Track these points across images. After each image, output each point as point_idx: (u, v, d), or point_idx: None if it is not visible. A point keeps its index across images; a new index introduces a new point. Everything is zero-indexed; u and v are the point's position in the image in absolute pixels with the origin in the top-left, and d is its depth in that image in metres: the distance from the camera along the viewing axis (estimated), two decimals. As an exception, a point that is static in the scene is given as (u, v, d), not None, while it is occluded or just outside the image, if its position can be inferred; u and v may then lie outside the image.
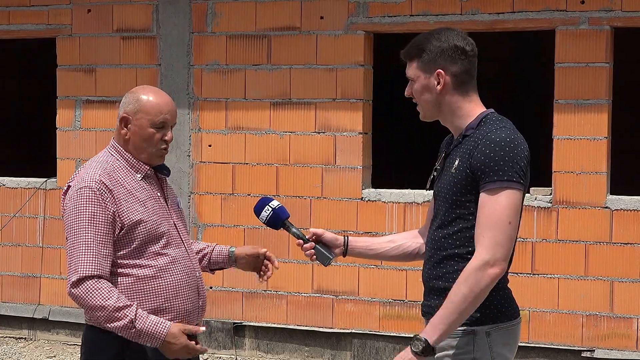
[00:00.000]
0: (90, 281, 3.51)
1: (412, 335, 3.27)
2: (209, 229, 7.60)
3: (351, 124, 7.24)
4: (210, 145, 7.61)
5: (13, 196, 8.22)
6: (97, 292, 3.51)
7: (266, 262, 4.00)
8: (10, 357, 7.73)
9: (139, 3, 7.79)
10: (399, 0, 7.09)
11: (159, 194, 3.75)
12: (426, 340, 3.16)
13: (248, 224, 7.50)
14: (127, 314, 3.50)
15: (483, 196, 3.20)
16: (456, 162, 3.30)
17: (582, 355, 6.82)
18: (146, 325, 3.52)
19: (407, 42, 3.48)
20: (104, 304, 3.50)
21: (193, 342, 3.61)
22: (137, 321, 3.51)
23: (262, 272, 4.01)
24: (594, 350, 6.78)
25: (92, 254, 3.53)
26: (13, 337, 8.27)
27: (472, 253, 3.25)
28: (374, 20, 7.18)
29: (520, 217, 3.29)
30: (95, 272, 3.52)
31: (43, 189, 8.10)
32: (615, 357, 6.72)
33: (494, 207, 3.17)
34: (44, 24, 8.05)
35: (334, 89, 7.27)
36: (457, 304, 3.16)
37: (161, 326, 3.54)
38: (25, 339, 8.25)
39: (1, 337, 8.30)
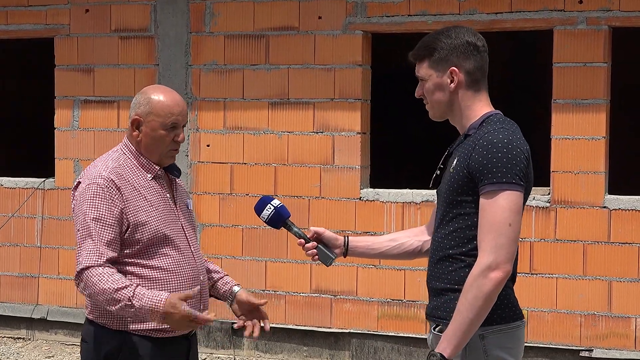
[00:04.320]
0: (92, 269, 3.52)
1: (427, 352, 3.24)
2: (207, 229, 7.60)
3: (349, 123, 7.24)
4: (208, 145, 7.61)
5: (11, 196, 8.22)
6: (97, 277, 3.51)
7: (255, 321, 3.83)
8: (8, 357, 7.73)
9: (137, 3, 7.78)
10: (397, 0, 7.08)
11: (168, 195, 3.77)
12: (441, 355, 3.13)
13: (246, 224, 7.50)
14: (126, 293, 3.48)
15: (482, 200, 3.16)
16: (455, 162, 3.28)
17: (581, 354, 6.82)
18: (144, 301, 3.47)
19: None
20: (104, 287, 3.49)
21: (194, 311, 3.51)
22: (134, 299, 3.47)
23: (245, 326, 3.83)
24: (592, 350, 6.78)
25: (97, 247, 3.54)
26: (11, 337, 8.26)
27: (466, 254, 3.23)
28: (372, 20, 7.17)
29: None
30: (99, 263, 3.53)
31: (41, 189, 8.10)
32: (613, 356, 6.72)
33: (493, 210, 3.13)
34: (42, 24, 8.05)
35: (332, 89, 7.27)
36: (465, 314, 3.12)
37: (158, 298, 3.48)
38: (23, 339, 8.24)
39: (-1, 337, 8.31)
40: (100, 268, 3.53)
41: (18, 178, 8.28)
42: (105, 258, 3.55)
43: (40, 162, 9.78)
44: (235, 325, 3.85)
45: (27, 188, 8.17)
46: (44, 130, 9.81)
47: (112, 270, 3.54)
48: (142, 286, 3.56)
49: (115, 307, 3.50)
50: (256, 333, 3.79)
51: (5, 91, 11.43)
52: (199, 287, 3.70)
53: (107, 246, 3.56)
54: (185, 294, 3.52)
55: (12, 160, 10.70)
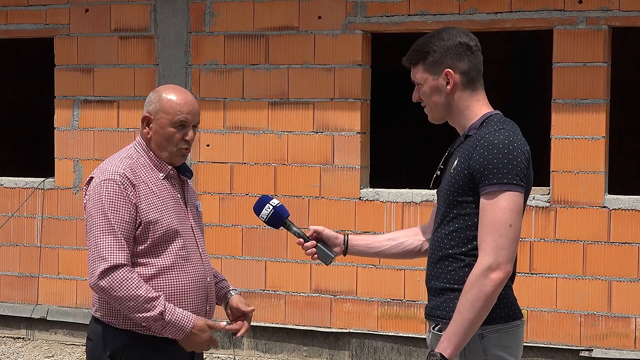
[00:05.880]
0: (120, 270, 3.55)
1: (427, 352, 3.25)
2: (207, 229, 7.59)
3: (349, 123, 7.24)
4: (208, 145, 7.61)
5: (11, 196, 8.22)
6: (128, 282, 3.54)
7: (239, 322, 3.88)
8: (8, 357, 7.73)
9: (137, 3, 7.78)
10: (397, 0, 7.09)
11: (179, 195, 3.79)
12: (442, 355, 3.14)
13: (246, 224, 7.50)
14: (157, 305, 3.55)
15: (482, 200, 3.17)
16: (455, 162, 3.29)
17: (580, 354, 6.82)
18: (174, 317, 3.58)
19: (405, 41, 3.46)
20: (135, 293, 3.54)
21: (214, 337, 3.70)
22: (166, 313, 3.56)
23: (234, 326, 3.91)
24: (592, 350, 6.78)
25: (119, 243, 3.56)
26: (11, 337, 8.26)
27: (466, 254, 3.24)
28: (371, 20, 7.17)
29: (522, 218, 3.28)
30: (124, 261, 3.56)
31: (41, 189, 8.10)
32: (613, 356, 6.72)
33: (494, 210, 3.14)
34: (42, 23, 8.05)
35: (332, 89, 7.27)
36: (465, 314, 3.13)
37: (187, 319, 3.61)
38: (23, 338, 8.24)
39: (-1, 337, 8.31)
40: (127, 270, 3.55)
41: (18, 178, 8.28)
42: (127, 256, 3.57)
43: (40, 162, 9.79)
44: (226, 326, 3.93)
45: (27, 188, 8.17)
46: (44, 130, 9.82)
47: (137, 275, 3.58)
48: (166, 299, 3.64)
49: (144, 315, 3.55)
50: (240, 334, 3.83)
51: (5, 91, 11.43)
52: (225, 323, 3.82)
53: (127, 243, 3.58)
54: (212, 324, 3.69)
55: (12, 160, 10.70)
